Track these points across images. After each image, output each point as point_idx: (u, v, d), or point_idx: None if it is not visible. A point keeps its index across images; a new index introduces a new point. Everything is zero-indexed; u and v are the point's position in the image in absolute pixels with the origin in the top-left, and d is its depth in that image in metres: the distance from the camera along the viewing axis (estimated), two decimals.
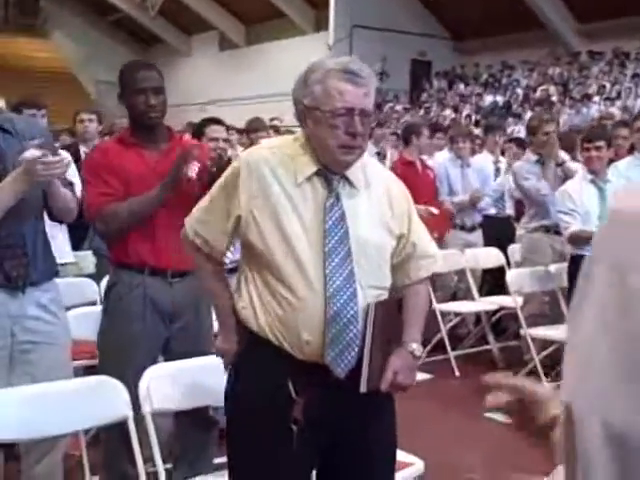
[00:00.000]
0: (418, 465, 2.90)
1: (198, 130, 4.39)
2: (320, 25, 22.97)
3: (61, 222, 3.09)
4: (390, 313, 2.16)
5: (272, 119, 16.62)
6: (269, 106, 21.05)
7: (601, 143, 4.64)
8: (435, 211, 5.75)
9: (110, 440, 3.10)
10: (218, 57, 27.55)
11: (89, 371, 3.87)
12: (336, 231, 2.05)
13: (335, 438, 2.13)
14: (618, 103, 15.16)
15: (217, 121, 4.49)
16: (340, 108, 2.00)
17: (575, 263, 4.78)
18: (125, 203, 3.03)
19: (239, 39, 26.85)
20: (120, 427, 2.64)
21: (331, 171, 2.09)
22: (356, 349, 2.05)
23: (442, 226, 6.02)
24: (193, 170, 3.00)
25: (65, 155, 2.75)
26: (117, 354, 3.09)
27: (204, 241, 2.20)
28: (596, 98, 15.78)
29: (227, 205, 2.12)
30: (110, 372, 2.74)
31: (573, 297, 0.70)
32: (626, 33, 17.01)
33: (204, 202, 2.23)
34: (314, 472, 2.24)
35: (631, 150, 5.26)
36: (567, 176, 5.23)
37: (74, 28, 29.07)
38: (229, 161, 3.08)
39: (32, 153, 2.53)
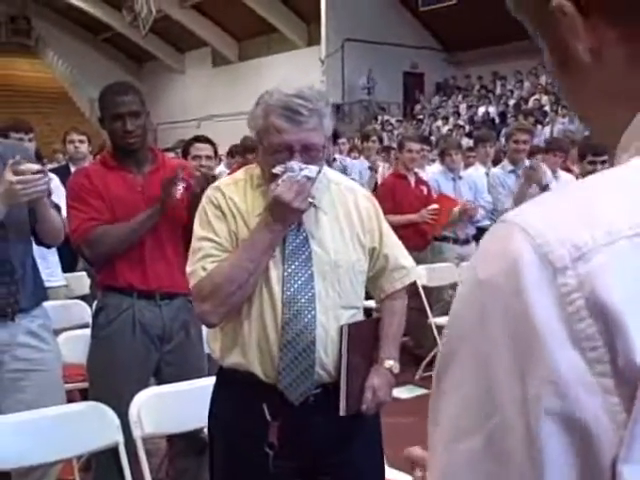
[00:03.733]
0: None
1: (185, 149, 4.41)
2: (312, 39, 23.05)
3: (48, 246, 3.06)
4: (364, 333, 2.15)
5: None
6: None
7: (606, 157, 4.58)
8: (434, 206, 5.80)
9: (101, 465, 3.06)
10: (211, 73, 27.65)
11: (84, 394, 3.86)
12: (297, 256, 2.04)
13: (316, 461, 2.12)
14: None
15: (201, 139, 4.48)
16: (278, 144, 1.98)
17: None
18: (114, 227, 3.00)
19: (232, 55, 26.95)
20: (111, 452, 2.61)
21: None
22: (313, 377, 2.04)
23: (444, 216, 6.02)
24: (178, 191, 2.99)
25: (52, 176, 2.72)
26: (107, 379, 3.05)
27: None
28: None
29: (227, 229, 2.09)
30: (101, 397, 2.71)
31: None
32: None
33: (201, 242, 2.09)
34: None
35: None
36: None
37: (66, 47, 29.17)
38: (214, 179, 3.05)
39: (8, 173, 2.51)
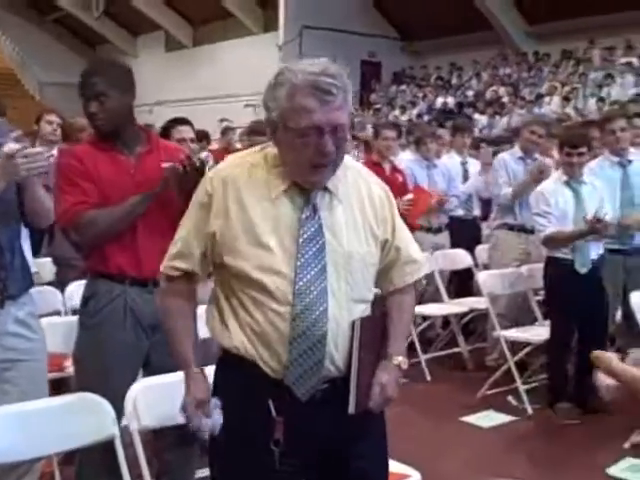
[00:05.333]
0: (415, 477, 2.84)
1: (164, 131, 4.22)
2: (269, 25, 22.85)
3: (36, 229, 2.92)
4: (375, 328, 2.08)
5: (221, 120, 16.47)
6: (218, 107, 20.90)
7: (584, 149, 4.64)
8: (409, 196, 5.75)
9: (88, 459, 2.93)
10: (165, 58, 27.24)
11: (55, 385, 3.73)
12: (311, 245, 1.95)
13: (323, 457, 2.04)
14: (569, 104, 15.37)
15: (184, 121, 4.31)
16: (308, 127, 1.87)
17: (551, 265, 4.80)
18: (104, 211, 2.89)
19: (186, 39, 26.58)
20: (100, 445, 2.51)
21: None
22: (322, 372, 1.96)
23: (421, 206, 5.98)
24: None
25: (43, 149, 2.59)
26: (96, 369, 2.93)
27: (185, 273, 2.10)
28: (547, 99, 15.98)
29: (204, 226, 2.01)
30: (89, 388, 2.61)
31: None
32: (574, 35, 17.31)
33: (179, 233, 2.11)
34: None
35: None
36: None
37: (15, 28, 28.36)
38: (202, 164, 2.94)
39: (10, 147, 2.38)
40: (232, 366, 2.03)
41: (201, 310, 2.92)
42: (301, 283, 1.92)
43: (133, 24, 27.73)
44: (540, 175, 5.33)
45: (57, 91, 23.30)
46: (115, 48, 28.59)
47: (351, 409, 1.99)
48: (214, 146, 10.37)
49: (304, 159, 1.90)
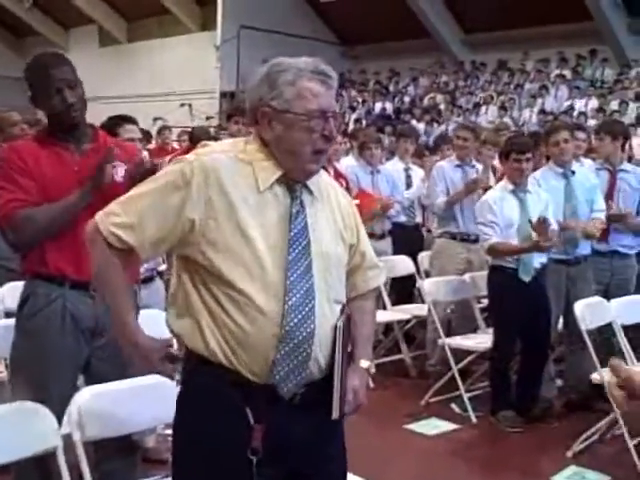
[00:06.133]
0: None
1: (109, 130, 4.06)
2: (207, 24, 22.57)
3: None
4: (348, 332, 2.06)
5: (155, 119, 16.18)
6: (154, 105, 20.55)
7: (530, 155, 4.67)
8: (355, 201, 5.70)
9: (25, 469, 2.77)
10: (98, 53, 26.65)
11: None
12: (299, 242, 1.94)
13: (299, 465, 2.00)
14: (506, 113, 15.60)
15: (130, 120, 4.16)
16: (315, 111, 1.90)
17: (495, 273, 4.81)
18: (41, 209, 2.76)
19: (120, 35, 26.07)
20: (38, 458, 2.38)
21: (292, 178, 1.97)
22: (306, 371, 1.93)
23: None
24: (119, 173, 2.80)
25: None
26: (33, 375, 2.78)
27: (127, 247, 1.94)
28: (483, 108, 16.20)
29: (171, 210, 1.89)
30: (28, 395, 2.48)
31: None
32: (509, 45, 17.61)
33: (133, 203, 1.95)
34: None
35: None
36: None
37: None
38: (155, 167, 2.84)
39: None
40: (206, 372, 1.93)
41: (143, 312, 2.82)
42: (292, 279, 1.90)
43: (65, 17, 27.06)
44: (473, 186, 5.41)
45: None
46: (46, 40, 27.88)
47: (335, 414, 1.98)
48: (151, 145, 10.19)
49: (307, 145, 1.91)
